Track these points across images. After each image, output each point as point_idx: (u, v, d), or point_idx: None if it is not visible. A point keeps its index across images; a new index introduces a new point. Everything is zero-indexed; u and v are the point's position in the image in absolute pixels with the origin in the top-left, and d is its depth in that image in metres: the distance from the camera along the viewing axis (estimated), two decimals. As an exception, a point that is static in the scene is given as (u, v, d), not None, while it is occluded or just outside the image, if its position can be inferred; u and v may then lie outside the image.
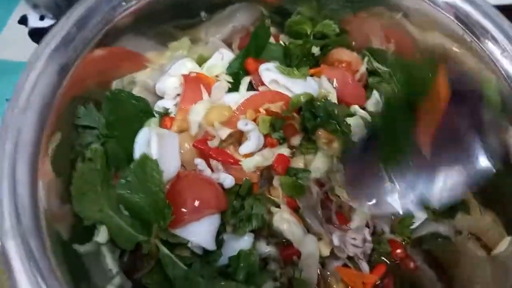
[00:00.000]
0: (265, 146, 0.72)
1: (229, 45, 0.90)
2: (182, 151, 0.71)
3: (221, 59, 0.84)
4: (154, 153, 0.65)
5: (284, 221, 0.69)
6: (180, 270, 0.64)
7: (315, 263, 0.69)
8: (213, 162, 0.71)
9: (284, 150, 0.72)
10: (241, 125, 0.69)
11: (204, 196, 0.66)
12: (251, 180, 0.70)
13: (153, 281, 0.67)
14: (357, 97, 0.81)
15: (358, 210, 0.73)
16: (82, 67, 0.68)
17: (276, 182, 0.71)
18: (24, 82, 0.60)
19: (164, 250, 0.64)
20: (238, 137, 0.73)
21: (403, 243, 0.77)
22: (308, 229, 0.71)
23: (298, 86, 0.75)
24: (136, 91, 0.79)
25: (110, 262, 0.65)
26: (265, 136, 0.72)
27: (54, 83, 0.63)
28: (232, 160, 0.70)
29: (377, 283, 0.74)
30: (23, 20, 1.08)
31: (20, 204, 0.55)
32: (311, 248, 0.69)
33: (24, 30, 1.07)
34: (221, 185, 0.69)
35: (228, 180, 0.69)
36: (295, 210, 0.71)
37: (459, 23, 0.71)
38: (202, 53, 0.87)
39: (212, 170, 0.71)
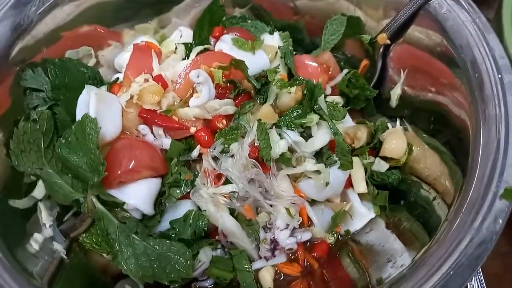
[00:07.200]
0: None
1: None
2: (125, 117, 0.71)
3: (179, 37, 0.86)
4: (92, 112, 0.67)
5: (201, 197, 0.69)
6: (114, 226, 0.65)
7: (239, 235, 0.68)
8: (156, 129, 0.72)
9: (230, 108, 0.71)
10: (193, 76, 0.70)
11: (140, 157, 0.67)
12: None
13: (91, 241, 0.68)
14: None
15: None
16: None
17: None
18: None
19: (99, 205, 0.65)
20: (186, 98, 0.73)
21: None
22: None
23: (245, 59, 0.74)
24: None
25: (45, 217, 0.66)
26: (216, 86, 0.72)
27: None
28: (177, 125, 0.71)
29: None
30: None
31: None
32: (228, 224, 0.68)
33: None
34: (164, 151, 0.70)
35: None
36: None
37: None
38: (165, 33, 0.90)
39: (155, 137, 0.72)
